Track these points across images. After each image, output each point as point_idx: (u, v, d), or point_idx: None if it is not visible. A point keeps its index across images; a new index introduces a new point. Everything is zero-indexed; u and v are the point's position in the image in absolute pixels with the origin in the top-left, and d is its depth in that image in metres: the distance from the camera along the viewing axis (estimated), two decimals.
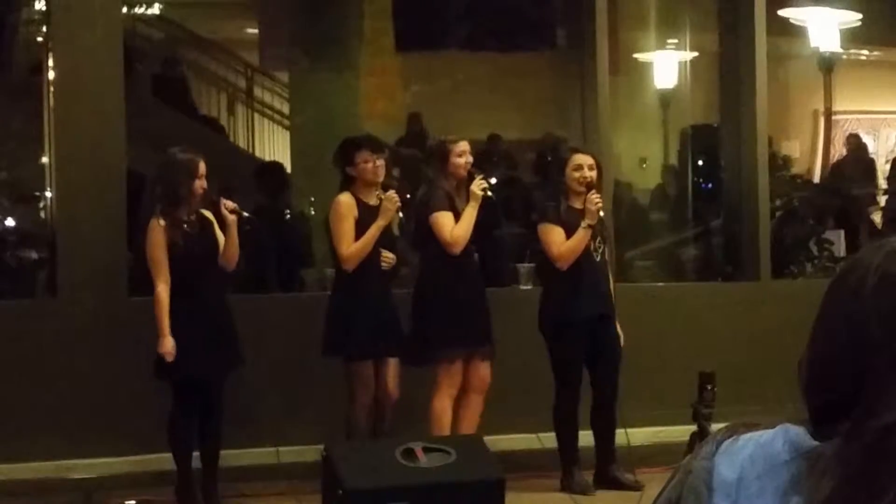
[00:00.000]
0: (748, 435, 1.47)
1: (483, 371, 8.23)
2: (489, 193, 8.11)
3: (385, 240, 8.07)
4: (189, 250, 7.63)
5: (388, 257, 8.08)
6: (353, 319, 7.99)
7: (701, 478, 1.46)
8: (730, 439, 1.48)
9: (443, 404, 8.12)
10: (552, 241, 8.24)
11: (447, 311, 8.06)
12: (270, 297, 9.72)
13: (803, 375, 1.46)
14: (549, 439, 8.61)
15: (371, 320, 7.97)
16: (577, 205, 8.19)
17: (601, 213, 8.17)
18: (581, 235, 8.13)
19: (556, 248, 8.22)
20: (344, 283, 8.15)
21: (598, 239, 8.26)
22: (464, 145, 8.22)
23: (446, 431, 8.05)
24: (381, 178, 8.11)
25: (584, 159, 8.28)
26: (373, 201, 8.06)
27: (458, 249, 8.09)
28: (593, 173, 8.20)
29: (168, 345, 7.51)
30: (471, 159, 8.20)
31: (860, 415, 1.36)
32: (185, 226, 7.68)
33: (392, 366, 8.11)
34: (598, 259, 8.28)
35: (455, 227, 8.08)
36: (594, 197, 8.08)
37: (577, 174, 8.21)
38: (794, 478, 1.39)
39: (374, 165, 8.07)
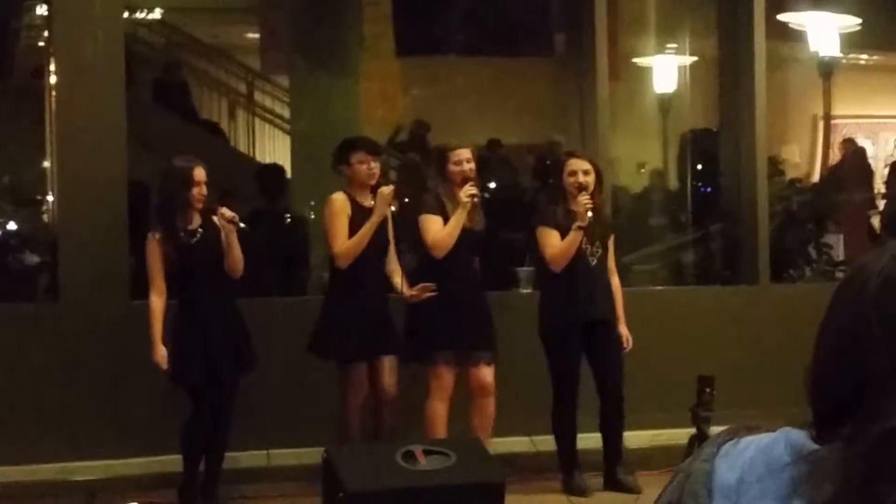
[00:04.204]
0: (749, 438, 1.47)
1: (480, 375, 8.24)
2: (475, 200, 8.10)
3: (380, 238, 8.04)
4: (187, 260, 7.63)
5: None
6: (345, 321, 7.98)
7: (701, 480, 1.46)
8: (730, 442, 1.47)
9: (434, 407, 8.14)
10: (546, 244, 8.25)
11: (438, 313, 8.07)
12: (268, 300, 9.72)
13: (808, 378, 1.46)
14: (542, 442, 8.66)
15: (363, 321, 7.95)
16: (575, 208, 8.21)
17: (589, 214, 8.11)
18: (572, 238, 8.13)
19: (550, 250, 8.24)
20: (337, 284, 8.15)
21: (597, 243, 8.27)
22: (461, 153, 8.19)
23: (440, 434, 8.07)
24: (374, 181, 8.09)
25: (578, 164, 8.27)
26: (367, 202, 8.03)
27: (439, 253, 8.11)
28: (588, 178, 8.19)
29: (159, 354, 7.55)
30: (470, 167, 8.16)
31: (861, 419, 1.36)
32: (183, 235, 7.67)
33: (388, 365, 8.11)
34: (595, 263, 8.28)
35: (438, 231, 8.11)
36: (583, 199, 8.07)
37: (571, 179, 8.21)
38: (795, 481, 1.38)
39: (369, 167, 8.07)
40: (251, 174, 11.74)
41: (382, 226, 8.07)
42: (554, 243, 8.21)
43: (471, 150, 8.35)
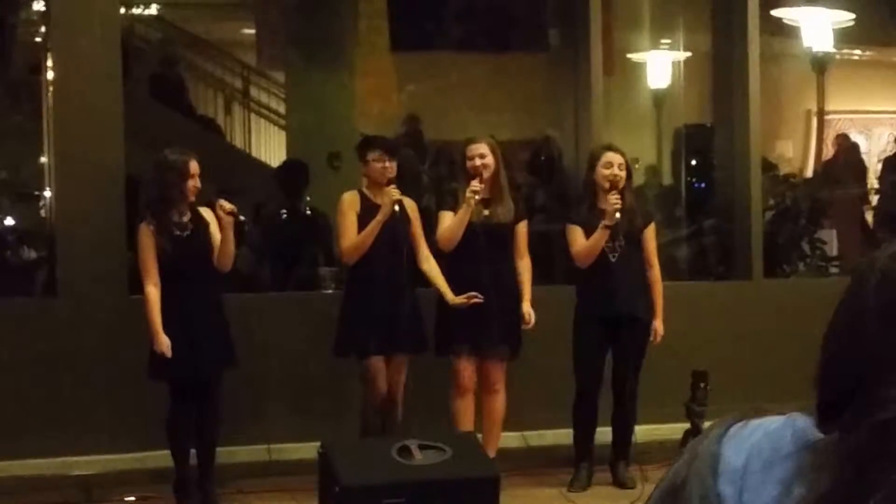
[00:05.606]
0: (757, 421, 1.47)
1: (488, 371, 8.29)
2: (477, 197, 8.10)
3: (395, 237, 8.08)
4: (179, 253, 7.65)
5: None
6: (358, 317, 8.02)
7: (707, 462, 1.46)
8: (738, 424, 1.48)
9: (452, 402, 8.23)
10: (571, 241, 8.29)
11: (452, 309, 8.10)
12: (265, 295, 9.75)
13: (815, 371, 1.47)
14: (533, 437, 8.72)
15: (376, 317, 7.99)
16: (604, 206, 8.20)
17: (617, 215, 8.09)
18: (598, 236, 8.14)
19: (574, 248, 8.27)
20: (350, 282, 8.21)
21: (619, 239, 8.22)
22: (474, 148, 8.23)
23: (465, 427, 8.11)
24: (386, 180, 8.11)
25: (615, 157, 8.25)
26: (380, 200, 8.05)
27: (444, 247, 8.18)
28: (623, 172, 8.22)
29: (163, 343, 7.56)
30: (483, 161, 8.17)
31: (858, 411, 1.37)
32: (176, 229, 7.69)
33: (398, 363, 8.13)
34: (615, 260, 8.23)
35: (446, 229, 8.15)
36: (612, 197, 8.07)
37: (607, 171, 8.19)
38: (798, 469, 1.39)
39: (383, 166, 8.10)
40: (247, 170, 11.76)
41: (399, 225, 8.10)
42: (578, 240, 8.24)
43: (488, 143, 8.34)
